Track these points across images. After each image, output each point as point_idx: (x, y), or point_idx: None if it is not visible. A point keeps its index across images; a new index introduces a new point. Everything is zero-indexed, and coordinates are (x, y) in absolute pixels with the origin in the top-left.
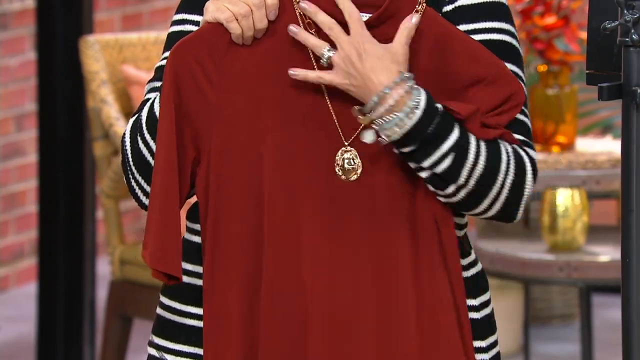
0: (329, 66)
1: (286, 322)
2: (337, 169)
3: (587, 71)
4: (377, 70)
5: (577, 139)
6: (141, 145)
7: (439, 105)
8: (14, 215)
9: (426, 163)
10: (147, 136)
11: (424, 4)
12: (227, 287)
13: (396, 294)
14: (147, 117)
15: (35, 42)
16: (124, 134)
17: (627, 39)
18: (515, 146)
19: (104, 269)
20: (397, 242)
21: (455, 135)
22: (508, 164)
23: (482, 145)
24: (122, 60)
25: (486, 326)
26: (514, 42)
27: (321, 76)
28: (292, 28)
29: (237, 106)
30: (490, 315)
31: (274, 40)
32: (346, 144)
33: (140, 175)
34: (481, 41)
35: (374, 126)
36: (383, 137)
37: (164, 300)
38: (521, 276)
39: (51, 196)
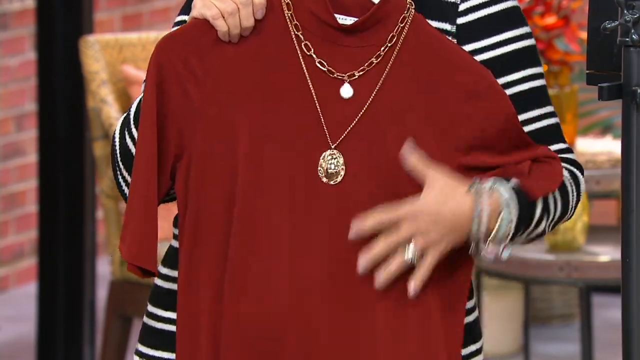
0: (421, 256)
1: (250, 331)
2: (320, 172)
3: (587, 71)
4: (456, 212)
5: (577, 139)
6: (128, 141)
7: (514, 182)
8: (14, 215)
9: (524, 236)
10: (134, 132)
11: (413, 10)
12: (199, 289)
13: (363, 313)
14: (134, 114)
15: (35, 42)
16: (114, 131)
17: (627, 39)
18: (567, 167)
19: (104, 269)
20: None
21: (540, 206)
22: (572, 194)
23: (557, 194)
24: (122, 60)
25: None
26: (534, 42)
27: (426, 269)
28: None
29: (221, 104)
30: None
31: (260, 39)
32: (332, 146)
33: (126, 170)
34: (509, 52)
35: (492, 244)
36: (501, 247)
37: (149, 307)
38: (521, 276)
39: (51, 196)
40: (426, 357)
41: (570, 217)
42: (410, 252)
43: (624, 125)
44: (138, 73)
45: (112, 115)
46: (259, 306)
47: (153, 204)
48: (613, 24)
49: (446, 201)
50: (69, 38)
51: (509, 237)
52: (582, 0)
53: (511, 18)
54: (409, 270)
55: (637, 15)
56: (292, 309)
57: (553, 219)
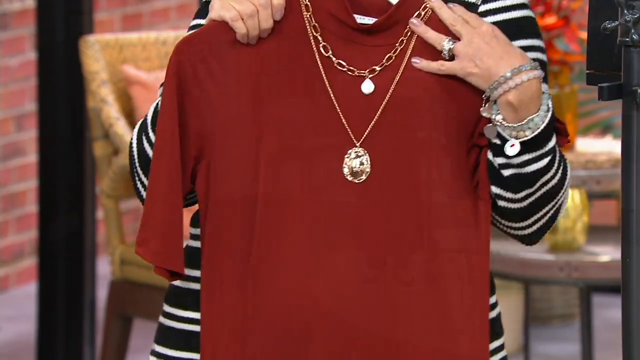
0: (451, 57)
1: (277, 327)
2: (345, 170)
3: (587, 71)
4: (510, 54)
5: (577, 139)
6: (146, 146)
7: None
8: (14, 215)
9: (524, 158)
10: (152, 136)
11: (430, 11)
12: (223, 287)
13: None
14: (151, 118)
15: (35, 42)
16: (132, 137)
17: (627, 39)
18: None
19: (104, 269)
20: (403, 248)
21: (554, 140)
22: (567, 187)
23: (563, 161)
24: (122, 60)
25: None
26: (544, 58)
27: (443, 64)
28: (414, 21)
29: (240, 106)
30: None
31: (279, 40)
32: (357, 144)
33: (145, 176)
34: None
35: (505, 124)
36: (506, 135)
37: (166, 308)
38: (521, 276)
39: (51, 196)
40: (452, 352)
41: (546, 215)
42: (447, 44)
43: (624, 125)
44: (138, 73)
45: (112, 115)
46: (285, 302)
47: (178, 207)
48: (613, 24)
49: (501, 36)
50: (69, 38)
51: (526, 137)
52: (582, 0)
53: (526, 28)
54: (430, 274)
55: (637, 15)
56: (319, 304)
57: (545, 180)
